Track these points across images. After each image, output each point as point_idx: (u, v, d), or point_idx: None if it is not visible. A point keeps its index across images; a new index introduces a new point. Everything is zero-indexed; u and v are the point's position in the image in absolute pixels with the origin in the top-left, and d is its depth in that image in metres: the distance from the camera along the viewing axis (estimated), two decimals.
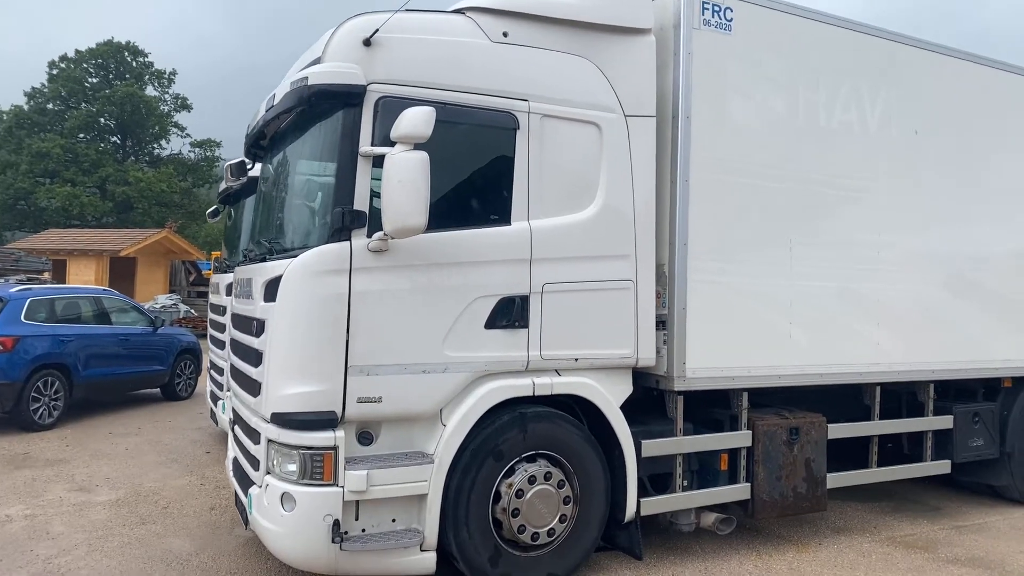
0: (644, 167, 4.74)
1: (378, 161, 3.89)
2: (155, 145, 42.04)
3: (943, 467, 6.06)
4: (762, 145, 5.13)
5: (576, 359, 4.47)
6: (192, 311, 23.04)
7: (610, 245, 4.60)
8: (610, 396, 4.57)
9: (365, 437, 4.04)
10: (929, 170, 5.90)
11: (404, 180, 3.71)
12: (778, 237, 5.16)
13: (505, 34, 4.43)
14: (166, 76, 41.79)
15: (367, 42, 4.05)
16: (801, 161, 5.28)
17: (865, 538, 5.66)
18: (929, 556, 5.32)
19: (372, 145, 3.98)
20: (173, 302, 22.95)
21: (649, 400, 4.99)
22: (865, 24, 5.67)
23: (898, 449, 6.20)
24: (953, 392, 6.49)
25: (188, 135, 42.20)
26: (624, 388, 4.71)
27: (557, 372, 4.45)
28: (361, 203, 3.97)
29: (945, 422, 6.05)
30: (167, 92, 42.06)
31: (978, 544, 5.60)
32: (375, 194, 3.95)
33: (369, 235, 3.94)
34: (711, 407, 5.21)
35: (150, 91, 40.92)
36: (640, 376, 4.88)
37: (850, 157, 5.50)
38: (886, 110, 5.66)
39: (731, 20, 4.96)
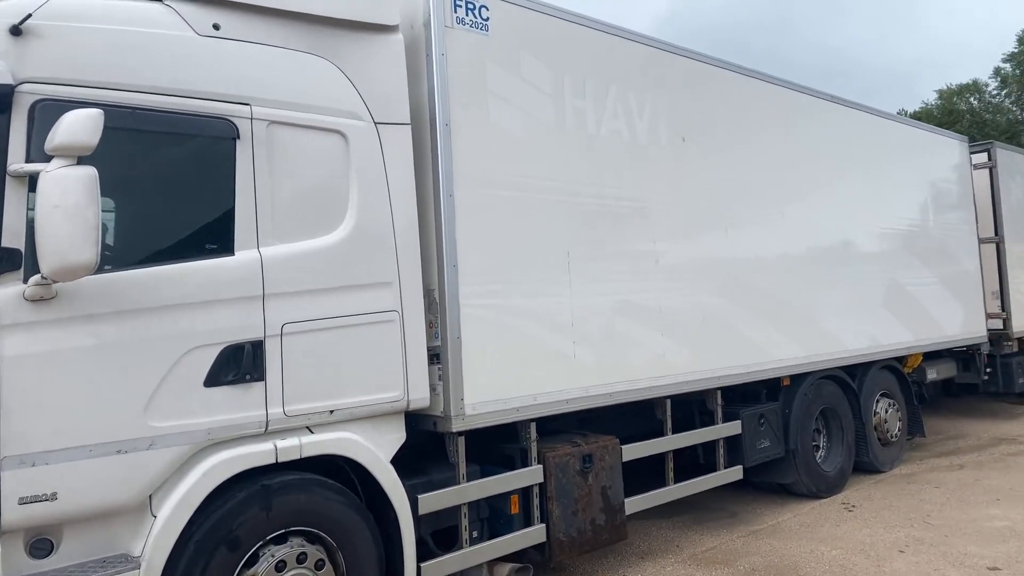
0: (402, 181, 4.16)
1: (36, 182, 2.96)
2: None
3: (736, 474, 6.04)
4: (531, 155, 4.75)
5: (332, 411, 3.76)
6: None
7: (367, 272, 3.96)
8: (378, 449, 3.89)
9: (40, 547, 3.04)
10: (697, 177, 5.88)
11: (63, 204, 2.81)
12: (555, 252, 4.80)
13: (216, 27, 3.66)
14: None
15: (16, 30, 3.11)
16: (573, 171, 4.98)
17: (669, 559, 5.45)
18: (730, 571, 5.19)
19: (26, 162, 3.04)
20: None
21: (438, 441, 4.40)
22: (630, 30, 5.54)
23: (695, 459, 6.13)
24: (740, 396, 6.57)
25: None
26: (396, 437, 4.06)
27: (309, 429, 3.71)
28: (12, 239, 3.00)
29: (734, 428, 6.04)
30: None
31: (773, 549, 5.57)
32: (34, 226, 3.00)
33: (25, 280, 2.98)
34: (503, 442, 4.73)
35: None
36: (418, 418, 4.28)
37: (621, 165, 5.30)
38: (654, 117, 5.56)
39: (487, 19, 4.54)
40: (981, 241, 10.38)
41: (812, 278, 6.89)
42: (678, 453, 5.81)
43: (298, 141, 3.81)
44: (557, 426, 5.16)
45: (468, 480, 4.33)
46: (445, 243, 4.22)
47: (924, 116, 27.87)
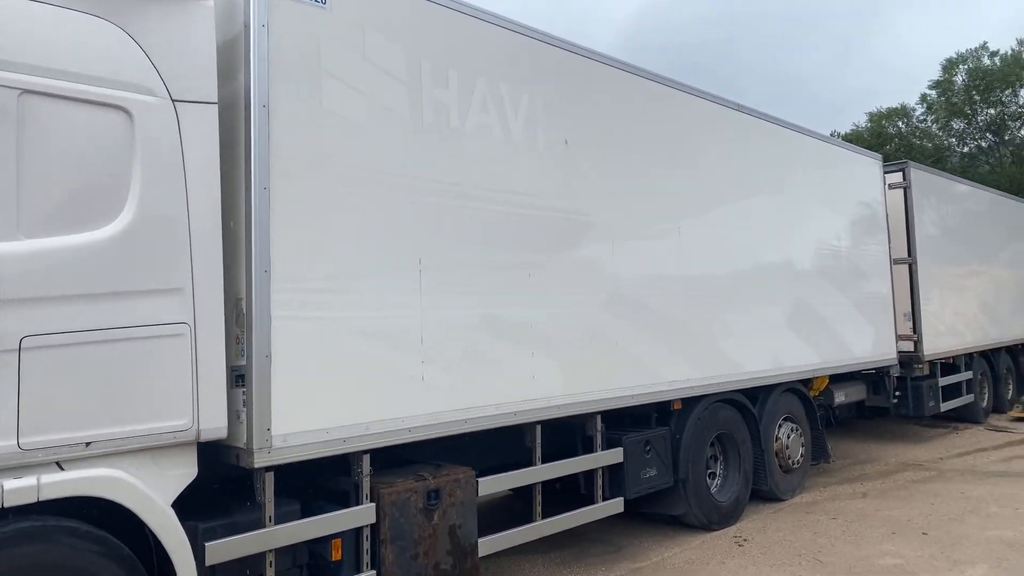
0: (204, 170, 3.54)
1: None
2: None
3: (615, 507, 5.55)
4: (377, 148, 4.18)
5: (88, 443, 3.10)
6: None
7: (149, 275, 3.32)
8: (152, 489, 3.24)
9: None
10: (581, 185, 5.40)
11: None
12: (403, 258, 4.23)
13: None
14: None
15: None
16: (431, 169, 4.42)
17: None
18: None
19: None
20: None
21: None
22: (507, 18, 5.04)
23: (578, 488, 5.63)
24: (631, 420, 6.11)
25: None
26: (182, 473, 3.42)
27: (59, 465, 3.05)
28: None
29: (615, 456, 5.56)
30: None
31: None
32: None
33: None
34: (337, 475, 4.12)
35: None
36: (225, 450, 3.65)
37: (491, 167, 4.78)
38: (531, 115, 5.05)
39: None
40: (895, 262, 10.27)
41: (711, 297, 6.49)
42: (563, 483, 5.34)
43: (63, 116, 3.17)
44: (419, 456, 4.61)
45: (279, 523, 3.70)
46: (255, 244, 3.61)
47: (855, 138, 28.43)
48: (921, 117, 29.47)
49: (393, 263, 4.18)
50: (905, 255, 10.30)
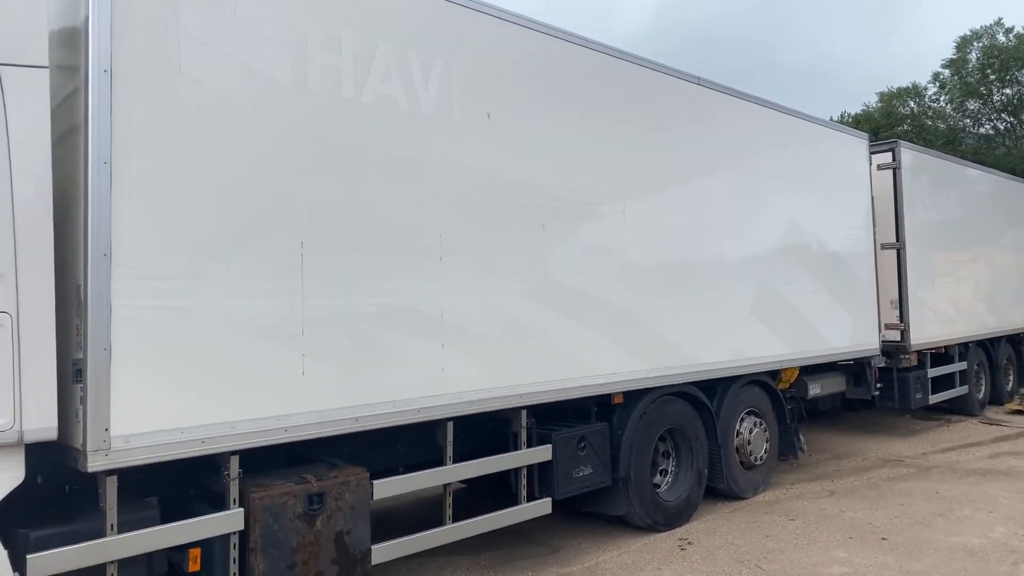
0: (32, 141, 3.18)
1: None
2: None
3: (542, 508, 5.18)
4: (249, 118, 3.79)
5: None
6: None
7: None
8: None
9: None
10: (507, 160, 4.99)
11: None
12: (280, 241, 3.86)
13: None
14: None
15: None
16: (319, 144, 4.04)
17: None
18: None
19: None
20: None
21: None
22: None
23: (507, 487, 5.27)
24: (571, 415, 5.74)
25: None
26: (6, 476, 3.10)
27: None
28: None
29: (542, 453, 5.18)
30: None
31: None
32: None
33: None
34: (211, 477, 3.79)
35: None
36: (66, 451, 3.33)
37: (393, 138, 4.37)
38: (445, 86, 4.64)
39: None
40: (882, 247, 9.76)
41: (660, 283, 6.06)
42: (496, 481, 5.02)
43: None
44: (326, 454, 4.29)
45: (127, 530, 3.38)
46: (92, 224, 3.25)
47: (865, 119, 27.59)
48: (934, 97, 28.52)
49: (267, 246, 3.80)
50: (893, 239, 9.78)
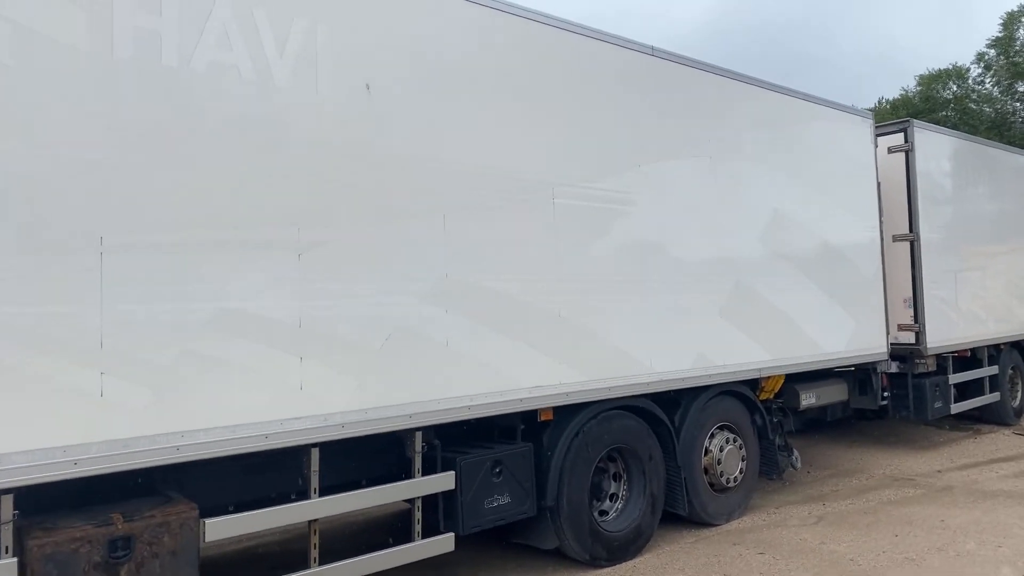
0: None
1: None
2: None
3: (443, 545, 4.45)
4: (29, 89, 3.17)
5: None
6: None
7: None
8: None
9: None
10: (394, 139, 4.29)
11: None
12: (69, 236, 3.23)
13: None
14: None
15: None
16: (134, 125, 3.40)
17: None
18: None
19: None
20: None
21: None
22: None
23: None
24: (498, 434, 5.03)
25: None
26: None
27: None
28: None
29: (442, 482, 4.46)
30: None
31: None
32: None
33: None
34: None
35: None
36: None
37: (236, 113, 3.71)
38: (308, 53, 3.96)
39: None
40: (894, 239, 8.78)
41: (603, 281, 5.29)
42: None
43: None
44: (162, 485, 3.68)
45: None
46: None
47: (904, 104, 26.04)
48: (978, 79, 26.67)
49: (49, 244, 3.18)
50: (906, 230, 8.77)
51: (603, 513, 5.48)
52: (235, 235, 3.68)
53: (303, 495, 3.97)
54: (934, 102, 25.93)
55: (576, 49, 5.29)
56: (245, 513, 3.72)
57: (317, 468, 3.96)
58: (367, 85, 4.18)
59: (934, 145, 9.14)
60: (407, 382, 4.26)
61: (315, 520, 3.98)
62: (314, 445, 3.93)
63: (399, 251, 4.27)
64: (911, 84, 27.49)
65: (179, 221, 3.51)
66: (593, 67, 5.41)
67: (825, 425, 9.62)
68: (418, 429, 4.36)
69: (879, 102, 27.49)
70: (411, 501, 4.40)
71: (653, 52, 5.82)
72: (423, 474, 4.40)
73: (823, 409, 8.32)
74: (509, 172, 4.82)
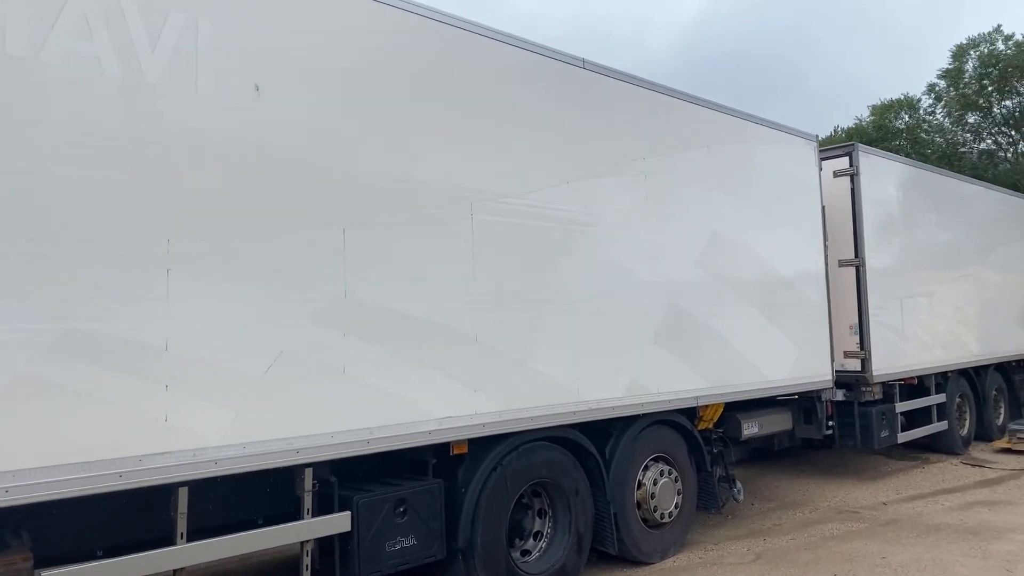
0: None
1: None
2: None
3: None
4: None
5: None
6: None
7: None
8: None
9: None
10: (290, 149, 3.92)
11: None
12: None
13: None
14: None
15: None
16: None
17: None
18: None
19: None
20: None
21: None
22: None
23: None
24: (408, 468, 4.64)
25: None
26: None
27: None
28: None
29: (335, 523, 4.04)
30: None
31: None
32: None
33: None
34: None
35: None
36: None
37: (94, 110, 3.32)
38: (186, 47, 3.59)
39: None
40: (840, 264, 8.63)
41: (523, 304, 4.96)
42: None
43: None
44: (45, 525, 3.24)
45: None
46: None
47: (857, 132, 26.37)
48: (929, 109, 27.23)
49: None
50: (852, 255, 8.62)
51: (525, 553, 5.10)
52: (90, 248, 3.27)
53: (169, 541, 3.53)
54: (887, 131, 26.38)
55: (501, 58, 5.01)
56: (91, 563, 3.26)
57: (185, 510, 3.52)
58: (256, 86, 3.82)
59: (880, 170, 9.05)
60: (295, 413, 3.85)
61: (181, 569, 3.53)
62: (182, 484, 3.50)
63: (289, 267, 3.89)
64: (865, 114, 28.02)
65: (21, 232, 3.09)
66: (519, 77, 5.13)
67: (773, 455, 9.38)
68: (307, 465, 3.95)
69: (834, 130, 27.89)
70: (302, 545, 3.98)
71: (584, 65, 5.56)
72: (316, 515, 3.98)
73: (770, 438, 8.08)
74: (422, 184, 4.49)
